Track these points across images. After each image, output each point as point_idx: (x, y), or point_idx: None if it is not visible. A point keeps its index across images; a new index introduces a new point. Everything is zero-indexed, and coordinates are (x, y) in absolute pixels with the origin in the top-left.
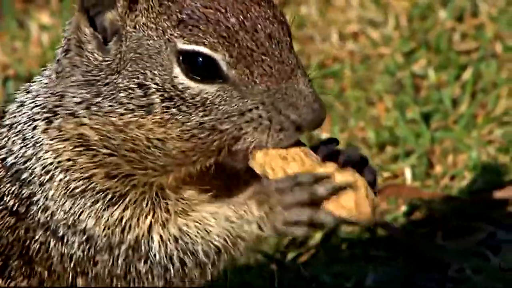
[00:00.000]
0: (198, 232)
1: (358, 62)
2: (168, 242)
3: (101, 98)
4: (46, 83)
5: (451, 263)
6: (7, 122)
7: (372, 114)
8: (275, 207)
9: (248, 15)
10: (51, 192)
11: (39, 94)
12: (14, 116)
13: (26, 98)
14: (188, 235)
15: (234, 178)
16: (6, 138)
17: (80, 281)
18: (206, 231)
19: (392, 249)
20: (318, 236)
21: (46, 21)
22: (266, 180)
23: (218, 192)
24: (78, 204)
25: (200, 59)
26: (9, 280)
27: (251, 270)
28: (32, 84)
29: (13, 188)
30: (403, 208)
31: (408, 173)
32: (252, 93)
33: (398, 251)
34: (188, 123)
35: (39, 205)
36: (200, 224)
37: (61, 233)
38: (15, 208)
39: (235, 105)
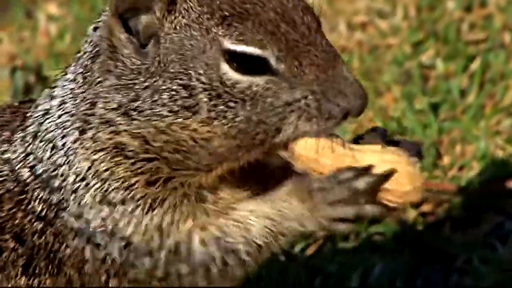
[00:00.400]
0: (239, 232)
1: (366, 53)
2: (209, 244)
3: (140, 102)
4: (71, 88)
5: (458, 254)
6: (32, 129)
7: (380, 105)
8: (319, 204)
9: (284, 7)
10: (85, 200)
11: (66, 101)
12: (40, 124)
13: (51, 105)
14: (229, 235)
15: (268, 177)
16: (32, 146)
17: (114, 282)
18: (247, 230)
19: (398, 240)
20: None
21: (54, 12)
22: (308, 179)
23: (253, 191)
24: (117, 211)
25: (248, 55)
26: (32, 277)
27: None
28: (54, 89)
29: (41, 194)
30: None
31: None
32: (302, 83)
33: (404, 243)
34: (236, 119)
35: (70, 212)
36: (240, 223)
37: (98, 240)
38: (43, 213)
39: (283, 96)
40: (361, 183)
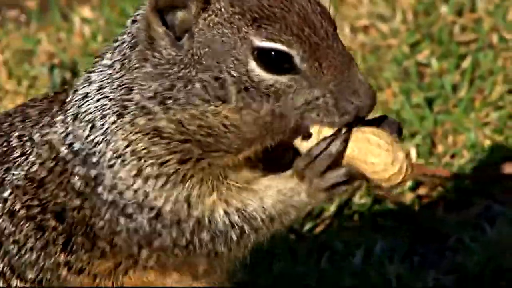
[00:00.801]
0: (256, 202)
1: (369, 53)
2: (231, 214)
3: (175, 91)
4: (109, 74)
5: (451, 233)
6: (71, 111)
7: (381, 99)
8: (312, 179)
9: (305, 12)
10: (121, 173)
11: (104, 86)
12: (79, 106)
13: (90, 89)
14: (248, 206)
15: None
16: (72, 126)
17: (144, 252)
18: (262, 201)
19: (398, 220)
20: (332, 208)
21: (88, 15)
22: (296, 161)
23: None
24: (149, 185)
25: (275, 54)
26: (70, 254)
27: (272, 239)
28: (91, 75)
29: (80, 170)
30: (409, 183)
31: (413, 152)
32: (320, 83)
33: (403, 222)
34: (261, 111)
35: (106, 185)
36: (257, 195)
37: (130, 211)
38: (81, 188)
39: (304, 94)
40: (333, 148)
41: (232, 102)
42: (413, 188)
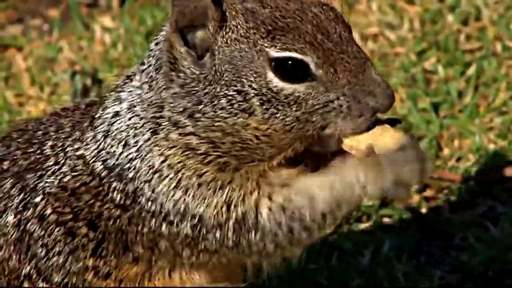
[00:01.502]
0: (303, 200)
1: (377, 60)
2: (275, 211)
3: (202, 106)
4: (139, 94)
5: (456, 233)
6: (101, 129)
7: None
8: (386, 168)
9: (319, 19)
10: (160, 187)
11: (135, 105)
12: (110, 124)
13: (121, 107)
14: (294, 203)
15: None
16: (103, 144)
17: (186, 251)
18: (311, 198)
19: (405, 220)
20: None
21: (108, 24)
22: (375, 156)
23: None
24: (189, 194)
25: (291, 63)
26: (99, 259)
27: None
28: (121, 93)
29: (118, 185)
30: (416, 185)
31: None
32: (336, 87)
33: (410, 223)
34: (287, 119)
35: (147, 197)
36: (305, 192)
37: (171, 218)
38: (122, 201)
39: (321, 98)
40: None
41: (258, 114)
42: (420, 190)
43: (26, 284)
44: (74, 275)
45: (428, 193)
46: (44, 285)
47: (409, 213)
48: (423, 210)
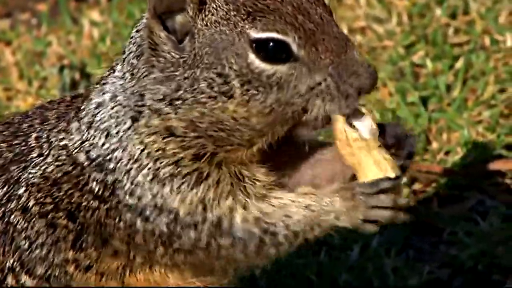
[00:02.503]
0: (278, 216)
1: (365, 53)
2: (250, 222)
3: (182, 92)
4: (121, 84)
5: (445, 227)
6: (86, 119)
7: (378, 98)
8: (360, 206)
9: (299, 1)
10: (138, 178)
11: (117, 95)
12: (94, 115)
13: (104, 99)
14: (269, 217)
15: (299, 155)
16: (87, 134)
17: (160, 250)
18: (287, 216)
19: None
20: None
21: (96, 18)
22: (353, 183)
23: (285, 170)
24: (166, 187)
25: (272, 44)
26: (79, 251)
27: None
28: (104, 85)
29: (98, 176)
30: (404, 179)
31: None
32: (319, 68)
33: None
34: (267, 101)
35: (125, 189)
36: (281, 209)
37: (147, 213)
38: (100, 192)
39: (305, 80)
40: (401, 200)
41: (237, 96)
42: (409, 184)
43: (9, 277)
44: (56, 267)
45: (417, 186)
46: (27, 278)
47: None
48: (412, 204)
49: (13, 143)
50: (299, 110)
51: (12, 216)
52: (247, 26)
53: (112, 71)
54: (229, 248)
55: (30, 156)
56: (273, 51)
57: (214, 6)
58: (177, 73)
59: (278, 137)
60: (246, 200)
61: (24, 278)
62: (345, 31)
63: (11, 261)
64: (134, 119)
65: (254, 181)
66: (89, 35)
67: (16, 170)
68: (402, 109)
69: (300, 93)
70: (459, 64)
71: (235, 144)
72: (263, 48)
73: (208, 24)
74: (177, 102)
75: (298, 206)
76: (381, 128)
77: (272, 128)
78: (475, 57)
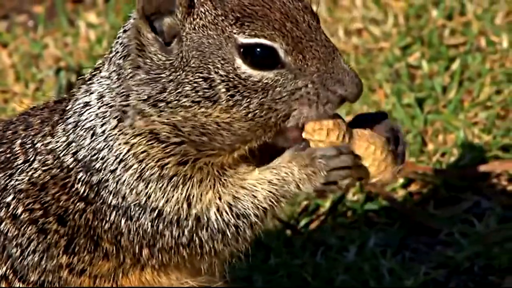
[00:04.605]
0: (247, 198)
1: (361, 55)
2: (223, 211)
3: (166, 94)
4: (108, 84)
5: (441, 228)
6: (72, 120)
7: (374, 100)
8: (320, 170)
9: (287, 8)
10: (124, 177)
11: (103, 95)
12: (80, 115)
13: (91, 98)
14: (239, 201)
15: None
16: (73, 134)
17: (145, 251)
18: (254, 196)
19: (390, 216)
20: (327, 204)
21: (93, 20)
22: (311, 147)
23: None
24: (151, 186)
25: (259, 49)
26: (72, 255)
27: (269, 234)
28: (91, 85)
29: (84, 177)
30: (401, 180)
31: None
32: (304, 75)
33: (395, 218)
34: (250, 106)
35: (109, 190)
36: (248, 190)
37: (132, 212)
38: (85, 194)
39: (289, 86)
40: (354, 159)
41: (221, 101)
42: (405, 185)
43: (3, 285)
44: (50, 273)
45: (413, 188)
46: (21, 285)
47: (394, 208)
48: (408, 205)
49: None
50: (281, 116)
51: (2, 224)
52: (235, 31)
53: (98, 71)
54: (209, 241)
55: (16, 163)
56: (260, 57)
57: (203, 10)
58: (162, 75)
59: (260, 143)
60: (222, 190)
61: (18, 285)
62: (342, 32)
63: (4, 269)
64: (119, 119)
65: (233, 174)
66: (86, 37)
67: (2, 178)
68: (398, 111)
69: (283, 99)
70: (455, 65)
71: (217, 149)
72: (250, 54)
73: (196, 28)
74: (161, 104)
75: (261, 183)
76: (373, 118)
77: (254, 133)
78: (471, 59)
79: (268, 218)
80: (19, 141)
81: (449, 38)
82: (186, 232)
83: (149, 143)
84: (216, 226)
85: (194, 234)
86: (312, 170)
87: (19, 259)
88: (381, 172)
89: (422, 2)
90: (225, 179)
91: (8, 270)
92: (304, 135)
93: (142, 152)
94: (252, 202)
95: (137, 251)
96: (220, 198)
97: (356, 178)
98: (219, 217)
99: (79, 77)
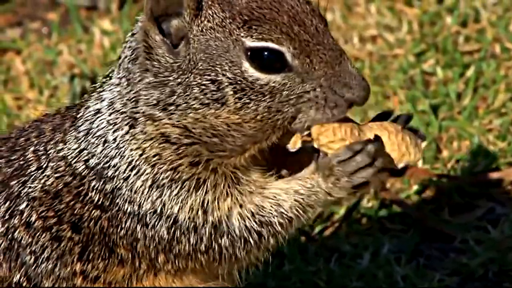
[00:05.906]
0: (272, 207)
1: (376, 62)
2: (246, 218)
3: (175, 97)
4: (118, 91)
5: (456, 235)
6: (83, 127)
7: (388, 106)
8: (341, 177)
9: (295, 11)
10: (137, 184)
11: (114, 102)
12: (92, 122)
13: (102, 106)
14: (263, 209)
15: (291, 160)
16: (85, 142)
17: (161, 257)
18: (279, 204)
19: (404, 223)
20: (341, 211)
21: (107, 27)
22: (326, 156)
23: (278, 171)
24: (165, 193)
25: (267, 53)
26: (86, 263)
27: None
28: (102, 92)
29: (97, 185)
30: (415, 187)
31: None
32: (312, 78)
33: (409, 225)
34: (258, 108)
35: (124, 198)
36: (273, 199)
37: (148, 219)
38: (100, 202)
39: (296, 89)
40: (371, 148)
41: (229, 103)
42: (419, 192)
43: None
44: (63, 281)
45: (427, 194)
46: None
47: (408, 215)
48: (422, 212)
49: (11, 158)
50: (289, 118)
51: (16, 232)
52: (242, 34)
53: (108, 78)
54: (229, 248)
55: (29, 170)
56: (267, 60)
57: (210, 12)
58: (170, 78)
59: (269, 144)
60: (242, 199)
61: None
62: (356, 39)
63: (18, 276)
64: (131, 126)
65: (249, 181)
66: (100, 44)
67: (16, 185)
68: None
69: (291, 102)
70: (470, 72)
71: (228, 150)
72: (257, 57)
73: (204, 30)
74: (171, 108)
75: (288, 193)
76: (378, 116)
77: (264, 134)
78: (486, 65)
79: (293, 229)
80: (32, 148)
81: (463, 45)
82: (204, 239)
83: (161, 145)
84: (238, 232)
85: (214, 241)
86: (335, 178)
87: (33, 267)
88: (404, 154)
89: (436, 9)
90: (240, 186)
91: (22, 278)
92: (315, 144)
93: (154, 156)
94: (276, 211)
95: (153, 257)
96: (241, 206)
97: (387, 171)
98: (242, 224)
99: (93, 84)
